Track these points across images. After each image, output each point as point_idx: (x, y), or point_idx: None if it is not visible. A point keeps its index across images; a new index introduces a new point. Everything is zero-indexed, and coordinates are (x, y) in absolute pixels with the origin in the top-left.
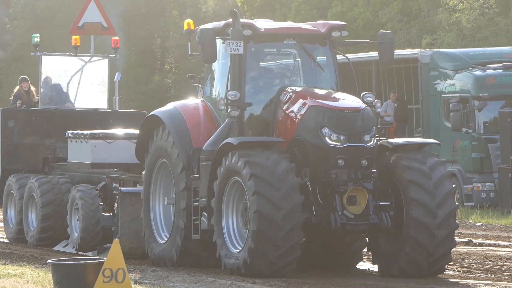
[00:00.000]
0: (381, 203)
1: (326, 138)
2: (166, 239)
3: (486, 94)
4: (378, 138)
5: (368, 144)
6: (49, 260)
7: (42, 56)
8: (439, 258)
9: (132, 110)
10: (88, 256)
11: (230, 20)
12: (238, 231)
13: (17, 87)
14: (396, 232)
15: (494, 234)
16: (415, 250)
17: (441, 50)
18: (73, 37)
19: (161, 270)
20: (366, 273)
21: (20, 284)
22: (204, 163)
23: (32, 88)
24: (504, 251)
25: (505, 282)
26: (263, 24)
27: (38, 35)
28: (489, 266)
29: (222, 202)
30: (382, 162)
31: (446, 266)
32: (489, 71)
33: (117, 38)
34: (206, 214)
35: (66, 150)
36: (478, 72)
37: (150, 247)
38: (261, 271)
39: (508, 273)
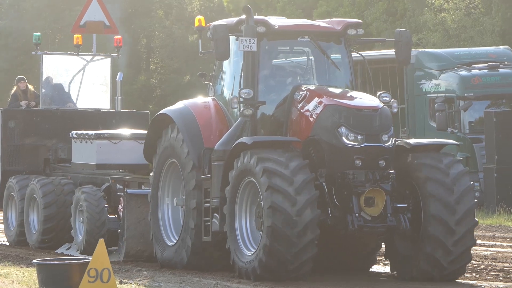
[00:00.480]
0: (398, 205)
1: (343, 138)
2: (175, 241)
3: (471, 94)
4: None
5: (386, 144)
6: (34, 260)
7: (43, 55)
8: (459, 256)
9: (135, 110)
10: (75, 256)
11: (243, 16)
12: (251, 234)
13: (15, 87)
14: (414, 234)
15: (480, 234)
16: (435, 248)
17: (426, 50)
18: (75, 35)
19: (147, 270)
20: (381, 276)
21: (5, 284)
22: (216, 163)
23: (30, 87)
24: (489, 250)
25: (490, 282)
26: (276, 21)
27: (39, 34)
28: (474, 265)
29: (236, 202)
30: (399, 163)
31: (466, 266)
32: (474, 71)
33: (119, 37)
34: (217, 216)
35: (67, 151)
36: (463, 72)
37: (158, 250)
38: (277, 271)
39: (493, 273)
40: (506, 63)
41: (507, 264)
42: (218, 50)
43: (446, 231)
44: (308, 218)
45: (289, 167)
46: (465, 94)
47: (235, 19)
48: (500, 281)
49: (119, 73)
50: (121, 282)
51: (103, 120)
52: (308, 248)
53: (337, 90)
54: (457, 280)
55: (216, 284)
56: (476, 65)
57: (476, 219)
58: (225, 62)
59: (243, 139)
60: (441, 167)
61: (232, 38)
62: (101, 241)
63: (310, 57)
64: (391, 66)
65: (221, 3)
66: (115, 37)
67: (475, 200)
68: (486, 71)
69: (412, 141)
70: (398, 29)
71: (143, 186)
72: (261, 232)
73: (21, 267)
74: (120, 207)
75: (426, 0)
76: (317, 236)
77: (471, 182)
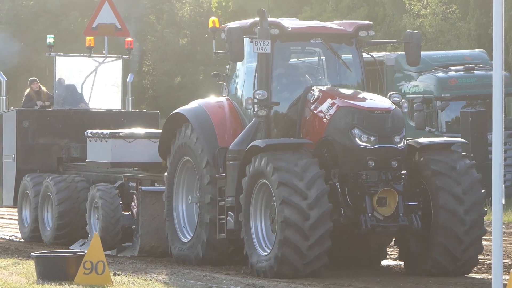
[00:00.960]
0: (409, 203)
1: (357, 139)
2: (190, 237)
3: (448, 95)
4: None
5: (398, 146)
6: (32, 253)
7: (57, 57)
8: (466, 262)
9: (145, 110)
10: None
11: (257, 19)
12: (266, 233)
13: (28, 89)
14: (424, 233)
15: None
16: (442, 255)
17: None
18: (87, 38)
19: (139, 263)
20: (394, 269)
21: (5, 276)
22: (230, 162)
23: (43, 88)
24: None
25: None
26: (289, 23)
27: (52, 36)
28: None
29: (251, 202)
30: (408, 162)
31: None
32: (451, 73)
33: (130, 39)
34: (232, 214)
35: (80, 150)
36: (440, 74)
37: (173, 247)
38: (293, 266)
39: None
40: (481, 65)
41: (481, 257)
42: (233, 51)
43: (455, 241)
44: (320, 211)
45: (299, 164)
46: (442, 95)
47: (249, 21)
48: (475, 273)
49: (129, 75)
50: (115, 274)
51: (114, 120)
52: (322, 241)
53: (349, 91)
54: (441, 277)
55: (206, 275)
56: (452, 68)
57: (485, 209)
58: (239, 63)
59: (256, 142)
60: (447, 161)
61: (246, 40)
62: (96, 235)
63: (321, 58)
64: (371, 69)
65: (211, 9)
66: (126, 39)
67: (483, 191)
68: (462, 73)
69: (422, 140)
70: (408, 30)
71: (155, 183)
72: (275, 235)
73: (20, 259)
74: (133, 204)
75: (405, 5)
76: (330, 228)
77: (483, 191)
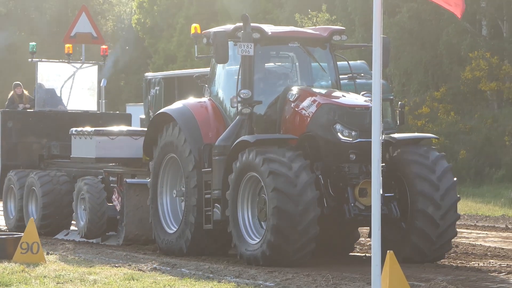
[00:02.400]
0: (386, 194)
1: (339, 134)
2: (174, 230)
3: None
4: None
5: None
6: None
7: (38, 63)
8: (441, 246)
9: (118, 112)
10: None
11: (240, 24)
12: (253, 223)
13: (12, 92)
14: (400, 222)
15: None
16: (421, 239)
17: None
18: (66, 45)
19: (69, 243)
20: (363, 259)
21: None
22: (217, 157)
23: (25, 92)
24: None
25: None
26: (268, 28)
27: (34, 43)
28: None
29: (238, 195)
30: (386, 156)
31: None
32: None
33: (105, 46)
34: (218, 206)
35: (60, 148)
36: None
37: (158, 236)
38: (284, 251)
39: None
40: (362, 74)
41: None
42: (218, 54)
43: (432, 225)
44: (309, 197)
45: (286, 155)
46: None
47: (231, 27)
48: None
49: (103, 80)
50: (48, 253)
51: (90, 120)
52: (308, 244)
53: (326, 90)
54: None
55: (126, 255)
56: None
57: (458, 195)
58: (220, 66)
59: (245, 137)
60: (428, 164)
61: (229, 43)
62: (31, 220)
63: (295, 62)
64: None
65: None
66: (102, 46)
67: (455, 179)
68: (346, 81)
69: (396, 135)
70: None
71: (136, 177)
72: (263, 223)
73: None
74: (113, 197)
75: (298, 23)
76: (318, 213)
77: (455, 179)
